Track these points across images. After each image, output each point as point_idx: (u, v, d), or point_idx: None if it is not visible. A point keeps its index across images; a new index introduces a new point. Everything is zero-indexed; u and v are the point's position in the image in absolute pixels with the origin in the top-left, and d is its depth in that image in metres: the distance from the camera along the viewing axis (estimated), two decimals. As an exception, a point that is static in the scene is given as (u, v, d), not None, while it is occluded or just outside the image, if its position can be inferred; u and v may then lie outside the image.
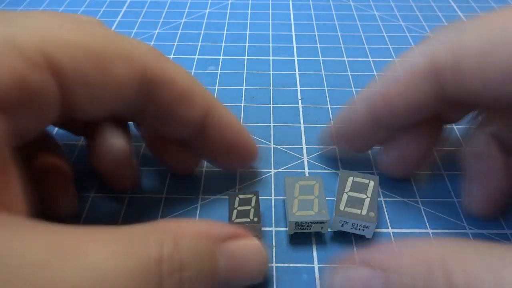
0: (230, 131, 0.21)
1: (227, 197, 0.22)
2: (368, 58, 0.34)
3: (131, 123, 0.23)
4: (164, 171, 0.24)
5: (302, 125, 0.28)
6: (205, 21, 0.39)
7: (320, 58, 0.34)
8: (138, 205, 0.23)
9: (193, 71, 0.33)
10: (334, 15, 0.41)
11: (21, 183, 0.15)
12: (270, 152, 0.26)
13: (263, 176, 0.24)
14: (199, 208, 0.22)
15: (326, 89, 0.31)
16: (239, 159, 0.23)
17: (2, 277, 0.11)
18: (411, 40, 0.37)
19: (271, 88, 0.31)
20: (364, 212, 0.20)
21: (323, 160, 0.25)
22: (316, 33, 0.38)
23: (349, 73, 0.33)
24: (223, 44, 0.36)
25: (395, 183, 0.24)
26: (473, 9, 0.42)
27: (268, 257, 0.18)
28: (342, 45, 0.36)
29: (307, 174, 0.24)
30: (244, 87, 0.31)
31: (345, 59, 0.34)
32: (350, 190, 0.21)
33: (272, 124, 0.28)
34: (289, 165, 0.25)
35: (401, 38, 0.37)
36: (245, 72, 0.33)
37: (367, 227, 0.20)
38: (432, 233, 0.21)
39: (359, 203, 0.20)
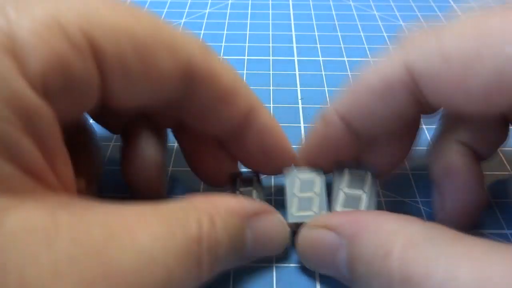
0: (269, 134, 0.20)
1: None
2: (368, 58, 0.34)
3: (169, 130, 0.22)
4: (166, 171, 0.24)
5: (302, 125, 0.28)
6: (205, 21, 0.39)
7: (320, 58, 0.34)
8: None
9: (193, 71, 0.33)
10: (334, 15, 0.41)
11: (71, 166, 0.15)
12: (270, 152, 0.26)
13: (263, 176, 0.24)
14: (199, 208, 0.22)
15: (326, 89, 0.31)
16: (276, 164, 0.21)
17: (74, 252, 0.12)
18: (411, 40, 0.37)
19: (271, 88, 0.31)
20: None
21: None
22: (316, 33, 0.38)
23: (349, 73, 0.33)
24: (223, 44, 0.36)
25: (395, 183, 0.24)
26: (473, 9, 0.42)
27: (289, 231, 0.19)
28: (342, 45, 0.36)
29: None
30: (244, 87, 0.31)
31: (345, 59, 0.34)
32: (347, 186, 0.20)
33: (272, 124, 0.28)
34: (289, 165, 0.25)
35: (401, 38, 0.37)
36: (245, 72, 0.33)
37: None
38: (432, 233, 0.21)
39: (356, 201, 0.20)
